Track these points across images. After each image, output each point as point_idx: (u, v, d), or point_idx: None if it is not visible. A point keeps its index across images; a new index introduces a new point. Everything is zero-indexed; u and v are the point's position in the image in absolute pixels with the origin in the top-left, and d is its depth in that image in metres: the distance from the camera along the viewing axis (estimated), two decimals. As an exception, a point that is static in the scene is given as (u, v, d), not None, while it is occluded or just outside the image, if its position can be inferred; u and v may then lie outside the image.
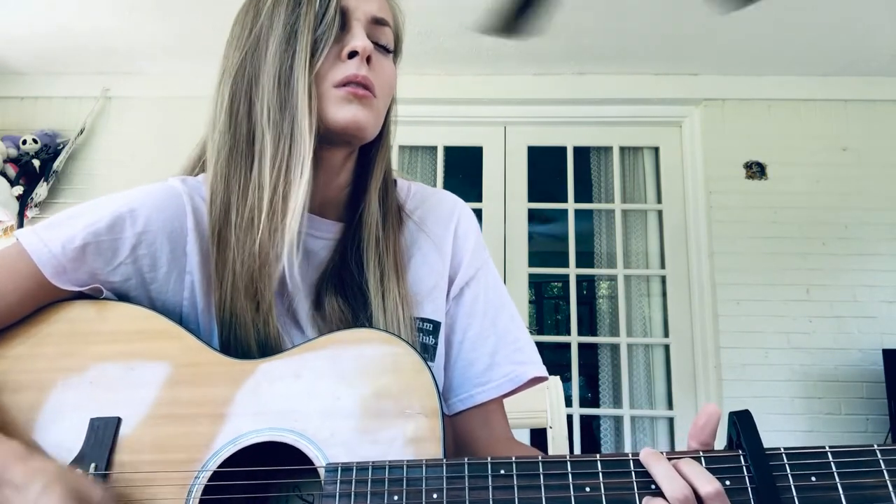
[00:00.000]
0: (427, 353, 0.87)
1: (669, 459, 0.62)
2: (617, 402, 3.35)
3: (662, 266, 3.40)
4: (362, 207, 0.88)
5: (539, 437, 1.42)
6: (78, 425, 0.73)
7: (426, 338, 0.87)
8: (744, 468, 0.62)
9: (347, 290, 0.85)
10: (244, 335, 0.79)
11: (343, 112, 0.79)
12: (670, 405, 3.28)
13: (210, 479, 0.69)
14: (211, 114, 0.84)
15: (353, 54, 0.79)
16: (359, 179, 0.90)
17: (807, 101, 3.38)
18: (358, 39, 0.79)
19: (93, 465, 0.71)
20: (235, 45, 0.83)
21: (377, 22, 0.83)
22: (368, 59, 0.80)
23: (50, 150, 3.37)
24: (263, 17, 0.80)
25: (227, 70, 0.83)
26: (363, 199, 0.88)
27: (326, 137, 0.81)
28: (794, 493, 0.60)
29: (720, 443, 0.65)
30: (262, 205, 0.77)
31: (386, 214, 0.89)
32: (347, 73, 0.79)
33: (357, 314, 0.83)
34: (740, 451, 0.63)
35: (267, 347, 0.78)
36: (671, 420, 3.28)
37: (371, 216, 0.87)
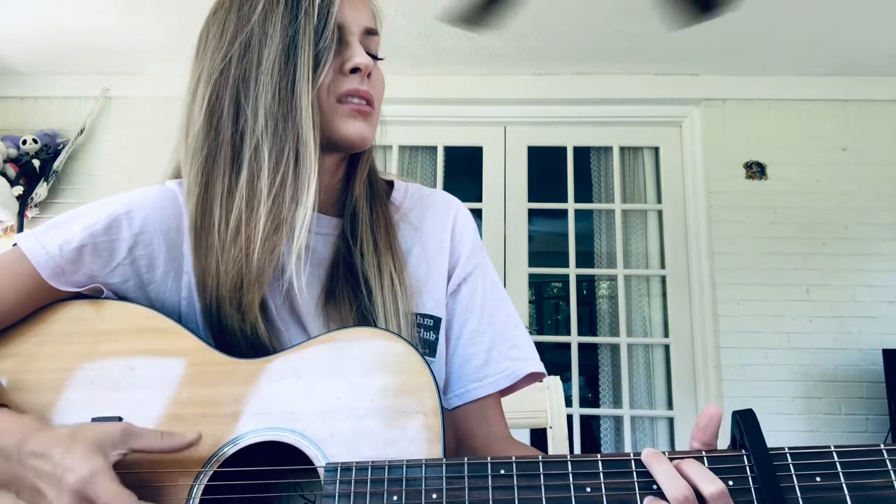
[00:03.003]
0: (428, 348, 0.88)
1: (672, 460, 0.62)
2: (617, 402, 3.35)
3: (662, 266, 3.40)
4: (349, 196, 0.90)
5: (539, 437, 1.42)
6: (80, 425, 0.73)
7: (427, 333, 0.88)
8: (747, 468, 0.61)
9: (350, 286, 0.85)
10: (233, 340, 0.79)
11: (349, 128, 0.82)
12: (670, 405, 3.28)
13: (211, 479, 0.69)
14: (184, 115, 0.84)
15: (355, 70, 0.81)
16: (350, 174, 0.92)
17: (807, 101, 3.37)
18: (359, 56, 0.82)
19: None
20: (216, 48, 0.82)
21: (369, 32, 0.86)
22: (368, 74, 0.83)
23: (50, 150, 3.37)
24: (254, 23, 0.79)
25: (206, 72, 0.82)
26: (350, 188, 0.91)
27: (328, 146, 0.82)
28: (799, 494, 0.59)
29: (724, 443, 0.65)
30: (254, 213, 0.76)
31: (373, 200, 0.90)
32: (350, 87, 0.81)
33: (360, 310, 0.83)
34: (743, 451, 0.62)
35: (259, 351, 0.78)
36: (671, 420, 3.28)
37: (358, 201, 0.89)
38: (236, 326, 0.78)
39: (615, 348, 3.41)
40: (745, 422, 0.62)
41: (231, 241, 0.77)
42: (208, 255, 0.79)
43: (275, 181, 0.76)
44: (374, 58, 0.87)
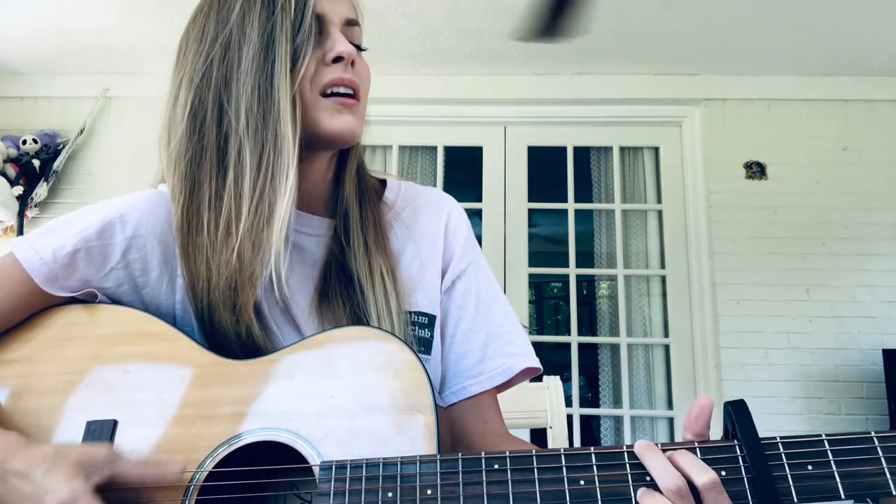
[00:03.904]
0: (423, 346, 0.88)
1: (665, 451, 0.62)
2: (617, 402, 3.35)
3: (662, 266, 3.40)
4: (339, 196, 0.90)
5: (539, 436, 1.42)
6: (75, 429, 0.73)
7: (421, 331, 0.88)
8: (739, 458, 0.62)
9: (343, 286, 0.85)
10: (225, 343, 0.79)
11: (335, 122, 0.80)
12: (670, 405, 3.27)
13: (206, 480, 0.69)
14: (166, 121, 0.83)
15: (337, 59, 0.81)
16: (339, 173, 0.92)
17: (807, 101, 3.37)
18: (341, 44, 0.81)
19: None
20: (197, 52, 0.81)
21: (350, 23, 0.85)
22: (352, 63, 0.82)
23: (50, 150, 3.37)
24: (232, 24, 0.79)
25: (188, 77, 0.81)
26: (340, 187, 0.90)
27: (316, 143, 0.82)
28: (791, 482, 0.60)
29: (717, 434, 0.65)
30: (242, 213, 0.76)
31: (362, 199, 0.90)
32: (333, 76, 0.80)
33: (353, 310, 0.83)
34: (736, 441, 0.62)
35: (252, 353, 0.78)
36: (671, 420, 3.28)
37: (348, 201, 0.89)
38: (230, 329, 0.78)
39: (615, 348, 3.40)
40: (737, 412, 0.62)
41: (222, 244, 0.77)
42: (197, 259, 0.78)
43: (257, 179, 0.76)
44: (358, 48, 0.86)
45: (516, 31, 1.99)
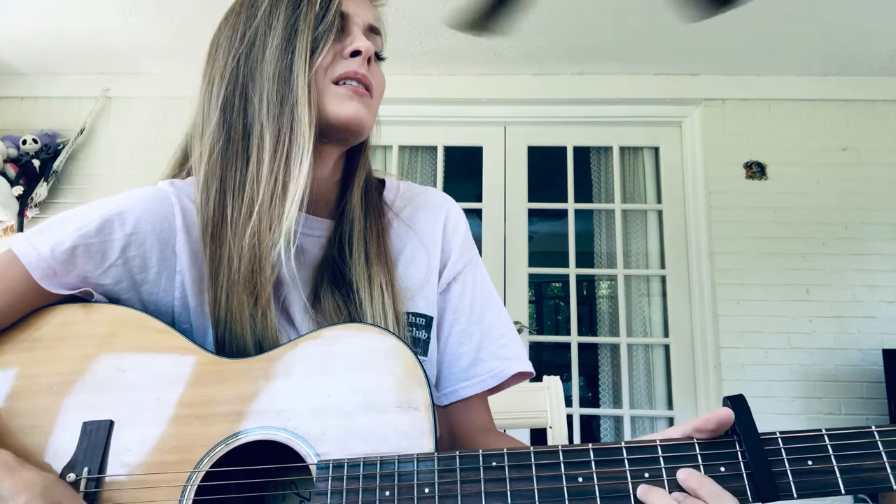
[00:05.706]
0: (419, 347, 0.88)
1: (667, 459, 0.61)
2: (617, 402, 3.35)
3: (662, 266, 3.39)
4: (345, 202, 0.90)
5: (539, 437, 1.42)
6: (72, 429, 0.73)
7: (418, 332, 0.88)
8: (738, 453, 0.61)
9: (340, 287, 0.85)
10: (240, 331, 0.79)
11: (345, 108, 0.81)
12: (670, 405, 3.27)
13: (203, 480, 0.69)
14: (198, 115, 0.85)
15: (355, 54, 0.83)
16: (346, 178, 0.92)
17: (807, 101, 3.37)
18: (360, 40, 0.83)
19: (86, 469, 0.70)
20: (227, 48, 0.84)
21: (372, 30, 0.87)
22: (368, 61, 0.84)
23: (50, 150, 3.38)
24: (259, 19, 0.82)
25: (218, 72, 0.84)
26: (348, 196, 0.91)
27: (325, 133, 0.82)
28: (791, 478, 0.59)
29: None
30: (260, 196, 0.78)
31: (368, 209, 0.91)
32: (349, 69, 0.82)
33: (350, 310, 0.83)
34: (735, 436, 0.62)
35: (265, 341, 0.78)
36: (671, 420, 3.27)
37: (353, 210, 0.89)
38: (247, 314, 0.78)
39: (615, 348, 3.40)
40: (736, 407, 0.62)
41: (244, 228, 0.78)
42: (222, 245, 0.79)
43: (273, 162, 0.78)
44: (377, 56, 0.88)
45: (454, 20, 2.03)
